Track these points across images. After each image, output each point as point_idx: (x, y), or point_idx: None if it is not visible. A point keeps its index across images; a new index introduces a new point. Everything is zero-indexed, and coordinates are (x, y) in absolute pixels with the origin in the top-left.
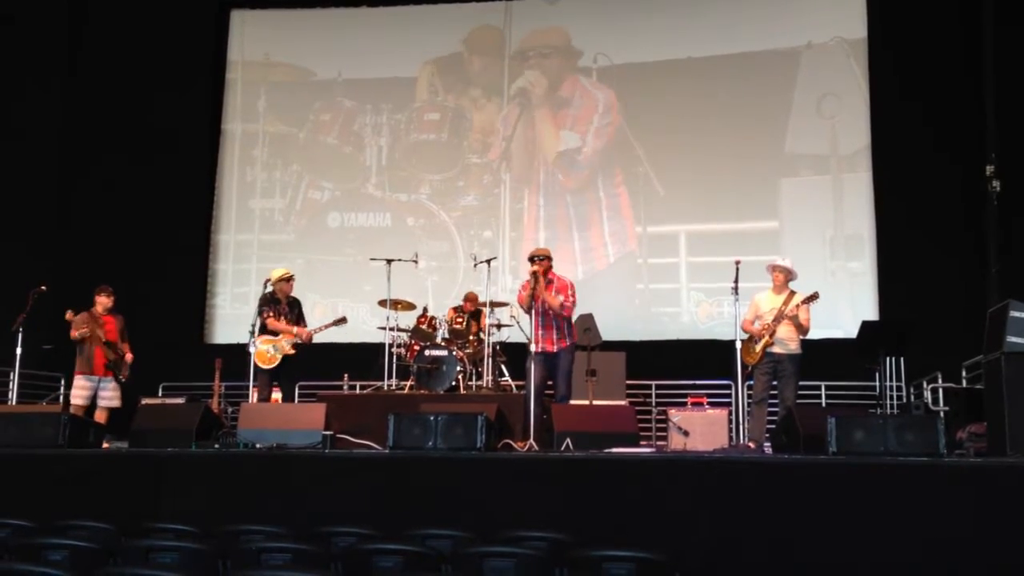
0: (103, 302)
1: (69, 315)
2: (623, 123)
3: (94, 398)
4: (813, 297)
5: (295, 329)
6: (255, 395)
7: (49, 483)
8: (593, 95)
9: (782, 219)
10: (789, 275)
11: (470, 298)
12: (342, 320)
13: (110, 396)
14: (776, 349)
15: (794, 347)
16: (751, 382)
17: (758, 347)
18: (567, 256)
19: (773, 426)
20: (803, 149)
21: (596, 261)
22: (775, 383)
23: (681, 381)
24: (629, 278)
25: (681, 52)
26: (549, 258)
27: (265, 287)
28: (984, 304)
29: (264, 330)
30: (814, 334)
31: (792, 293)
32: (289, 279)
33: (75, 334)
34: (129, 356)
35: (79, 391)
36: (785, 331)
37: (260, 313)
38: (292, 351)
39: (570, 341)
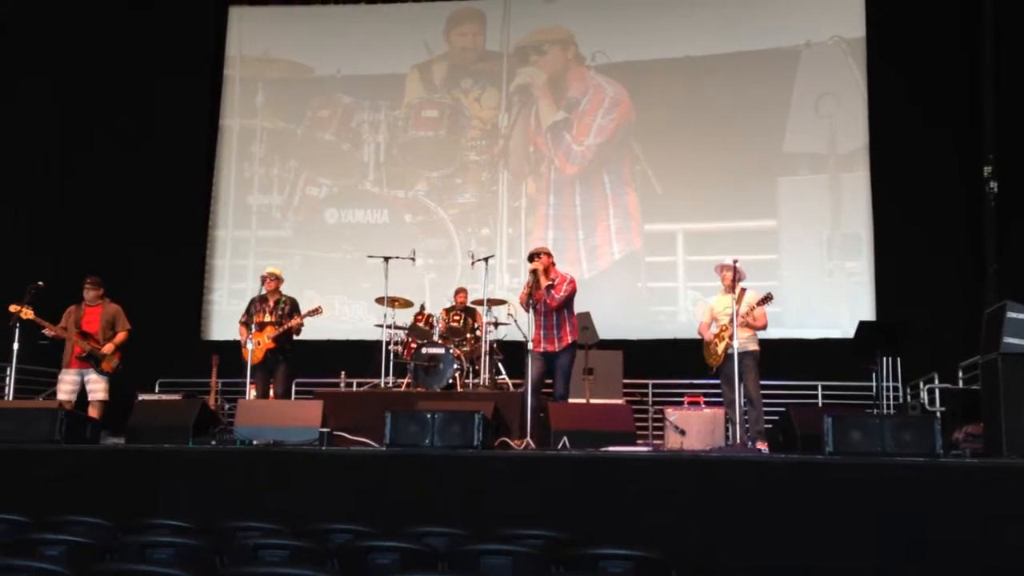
0: (86, 294)
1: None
2: (624, 120)
3: (83, 392)
4: (766, 299)
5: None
6: (251, 391)
7: (45, 478)
8: (602, 88)
9: (780, 218)
10: (738, 275)
11: (460, 290)
12: (316, 311)
13: (93, 389)
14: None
15: (752, 347)
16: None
17: (720, 349)
18: (568, 254)
19: (749, 425)
20: (801, 148)
21: (599, 260)
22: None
23: (678, 380)
24: (628, 277)
25: (679, 51)
26: (549, 255)
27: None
28: (981, 305)
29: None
30: (811, 334)
31: (743, 291)
32: (270, 277)
33: (48, 333)
34: (107, 347)
35: (61, 386)
36: (741, 333)
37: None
38: (273, 344)
39: (572, 339)
